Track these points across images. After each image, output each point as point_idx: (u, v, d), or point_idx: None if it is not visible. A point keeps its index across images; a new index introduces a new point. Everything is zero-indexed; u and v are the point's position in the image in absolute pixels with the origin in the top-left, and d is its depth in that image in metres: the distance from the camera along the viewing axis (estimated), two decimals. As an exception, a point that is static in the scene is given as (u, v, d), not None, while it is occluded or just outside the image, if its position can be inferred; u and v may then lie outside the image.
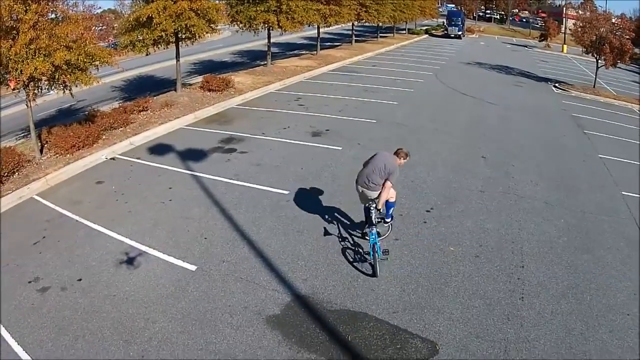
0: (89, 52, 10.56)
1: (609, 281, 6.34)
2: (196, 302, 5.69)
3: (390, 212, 6.98)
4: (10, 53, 9.44)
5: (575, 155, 12.04)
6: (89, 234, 7.43)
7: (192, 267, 6.35)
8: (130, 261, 6.59)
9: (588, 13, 28.80)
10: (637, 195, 9.40)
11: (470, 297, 5.79)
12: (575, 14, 44.98)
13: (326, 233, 7.21)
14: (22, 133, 15.26)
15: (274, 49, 23.48)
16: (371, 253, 6.07)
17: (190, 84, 18.22)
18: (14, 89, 27.87)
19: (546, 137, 13.42)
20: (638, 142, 13.98)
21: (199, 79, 19.75)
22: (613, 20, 24.06)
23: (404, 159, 6.43)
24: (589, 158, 11.88)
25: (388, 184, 6.19)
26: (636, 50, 43.62)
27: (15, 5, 9.35)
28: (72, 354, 4.99)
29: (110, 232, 7.40)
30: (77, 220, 7.89)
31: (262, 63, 23.90)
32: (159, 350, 4.98)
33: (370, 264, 6.21)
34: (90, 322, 5.45)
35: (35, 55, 9.68)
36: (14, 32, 9.73)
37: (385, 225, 7.11)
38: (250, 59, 28.48)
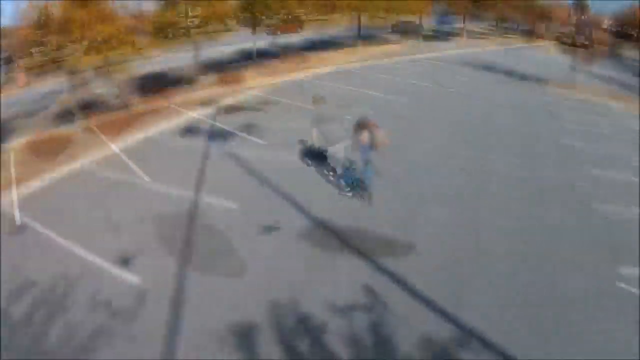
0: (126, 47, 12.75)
1: (561, 228, 8.02)
2: (242, 225, 7.91)
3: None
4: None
5: (545, 139, 13.90)
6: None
7: (235, 206, 8.60)
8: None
9: (567, 14, 31.11)
10: (596, 171, 11.04)
11: (436, 224, 7.99)
12: (562, 15, 47.05)
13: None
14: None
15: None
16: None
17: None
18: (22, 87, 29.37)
19: (520, 126, 15.31)
20: (604, 131, 15.86)
21: (210, 77, 21.80)
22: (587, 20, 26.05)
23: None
24: (556, 142, 13.67)
25: None
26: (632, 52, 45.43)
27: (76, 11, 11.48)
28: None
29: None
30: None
31: (266, 62, 25.96)
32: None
33: (365, 196, 8.54)
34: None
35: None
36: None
37: None
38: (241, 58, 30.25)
